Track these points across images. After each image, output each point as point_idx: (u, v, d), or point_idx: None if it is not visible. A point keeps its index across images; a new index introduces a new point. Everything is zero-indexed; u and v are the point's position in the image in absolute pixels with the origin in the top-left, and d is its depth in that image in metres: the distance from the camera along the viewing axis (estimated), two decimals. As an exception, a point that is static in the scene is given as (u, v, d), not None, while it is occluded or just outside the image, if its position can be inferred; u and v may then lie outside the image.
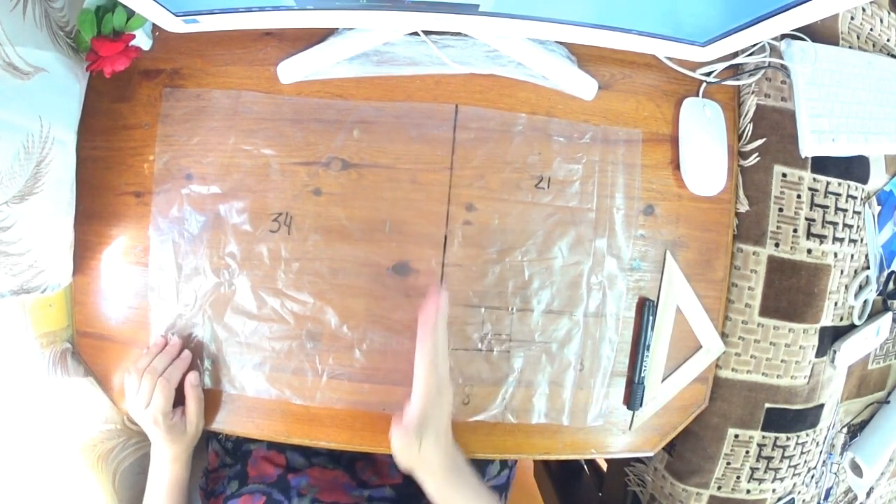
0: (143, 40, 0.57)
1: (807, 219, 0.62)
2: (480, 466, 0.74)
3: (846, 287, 0.65)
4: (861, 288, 0.67)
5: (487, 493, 0.52)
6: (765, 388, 0.64)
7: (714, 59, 0.52)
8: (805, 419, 0.66)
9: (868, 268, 0.68)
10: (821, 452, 0.71)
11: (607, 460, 0.91)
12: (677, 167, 0.62)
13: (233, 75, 0.59)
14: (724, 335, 0.64)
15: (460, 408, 0.61)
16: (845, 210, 0.63)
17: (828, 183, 0.63)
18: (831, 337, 0.66)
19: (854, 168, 0.64)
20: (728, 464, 0.66)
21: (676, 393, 0.63)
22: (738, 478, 0.66)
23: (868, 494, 0.79)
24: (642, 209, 0.61)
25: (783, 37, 0.63)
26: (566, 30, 0.49)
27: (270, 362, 0.60)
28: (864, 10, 0.66)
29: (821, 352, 0.65)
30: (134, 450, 0.69)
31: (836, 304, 0.64)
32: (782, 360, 0.63)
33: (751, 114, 0.62)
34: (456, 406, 0.61)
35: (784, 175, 0.62)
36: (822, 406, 0.67)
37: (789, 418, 0.65)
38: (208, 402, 0.60)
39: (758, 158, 0.62)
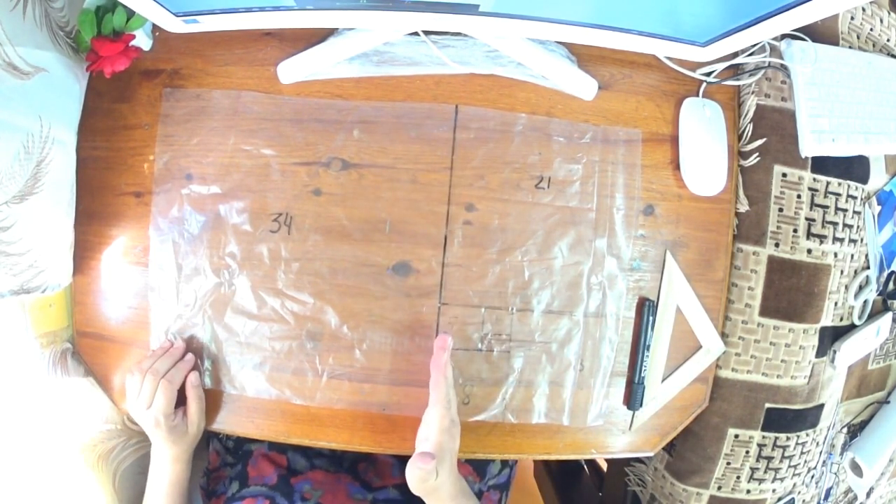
0: (143, 40, 0.57)
1: (807, 219, 0.62)
2: (481, 466, 0.74)
3: (846, 287, 0.65)
4: (861, 288, 0.67)
5: None
6: (765, 388, 0.64)
7: (714, 59, 0.52)
8: (805, 419, 0.66)
9: (868, 268, 0.68)
10: (821, 452, 0.71)
11: (607, 460, 0.91)
12: (677, 167, 0.62)
13: (233, 75, 0.59)
14: (724, 335, 0.64)
15: (460, 408, 0.61)
16: (845, 210, 0.63)
17: (828, 183, 0.63)
18: (831, 337, 0.66)
19: (854, 168, 0.64)
20: (728, 464, 0.66)
21: (676, 393, 0.63)
22: (738, 478, 0.66)
23: (868, 494, 0.79)
24: (642, 209, 0.61)
25: (783, 37, 0.63)
26: (566, 30, 0.49)
27: (270, 362, 0.60)
28: (864, 10, 0.66)
29: (821, 352, 0.65)
30: (134, 450, 0.69)
31: (836, 304, 0.64)
32: (782, 360, 0.63)
33: (751, 114, 0.62)
34: (456, 406, 0.60)
35: (784, 175, 0.62)
36: (822, 406, 0.67)
37: (789, 418, 0.65)
38: (209, 402, 0.60)
39: (758, 158, 0.62)
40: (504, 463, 0.77)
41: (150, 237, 0.59)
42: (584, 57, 0.61)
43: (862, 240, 0.66)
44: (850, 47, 0.65)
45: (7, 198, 0.47)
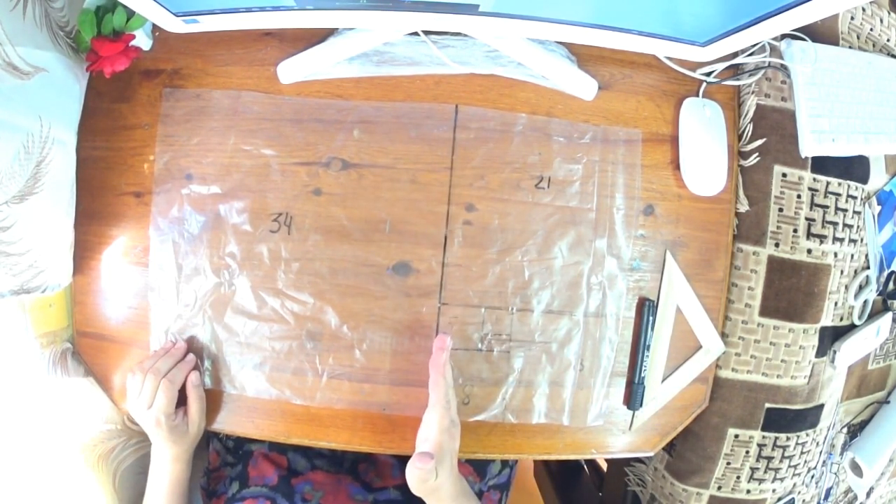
0: (143, 40, 0.57)
1: (807, 219, 0.62)
2: (481, 466, 0.74)
3: (846, 287, 0.65)
4: (861, 288, 0.67)
5: None
6: (765, 388, 0.64)
7: (714, 59, 0.52)
8: (805, 419, 0.66)
9: (868, 268, 0.68)
10: (821, 452, 0.71)
11: (607, 460, 0.91)
12: (677, 167, 0.62)
13: (233, 75, 0.59)
14: (724, 335, 0.64)
15: (460, 408, 0.61)
16: (845, 210, 0.63)
17: (828, 183, 0.63)
18: (831, 337, 0.66)
19: (854, 168, 0.64)
20: (728, 464, 0.66)
21: (676, 393, 0.63)
22: (738, 478, 0.66)
23: (868, 494, 0.79)
24: (642, 209, 0.61)
25: (783, 37, 0.63)
26: (566, 30, 0.49)
27: (270, 362, 0.60)
28: (864, 10, 0.66)
29: (821, 352, 0.65)
30: (134, 450, 0.69)
31: (836, 304, 0.64)
32: (782, 360, 0.63)
33: (751, 114, 0.62)
34: (456, 406, 0.60)
35: (784, 175, 0.62)
36: (822, 406, 0.67)
37: (789, 418, 0.65)
38: (209, 402, 0.60)
39: (758, 158, 0.62)
40: (504, 463, 0.77)
41: (150, 237, 0.59)
42: (584, 57, 0.61)
43: (862, 240, 0.66)
44: (850, 47, 0.65)
45: (7, 198, 0.47)
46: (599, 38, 0.50)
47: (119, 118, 0.59)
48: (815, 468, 0.71)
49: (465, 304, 0.60)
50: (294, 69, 0.58)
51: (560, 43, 0.60)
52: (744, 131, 0.63)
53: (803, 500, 0.72)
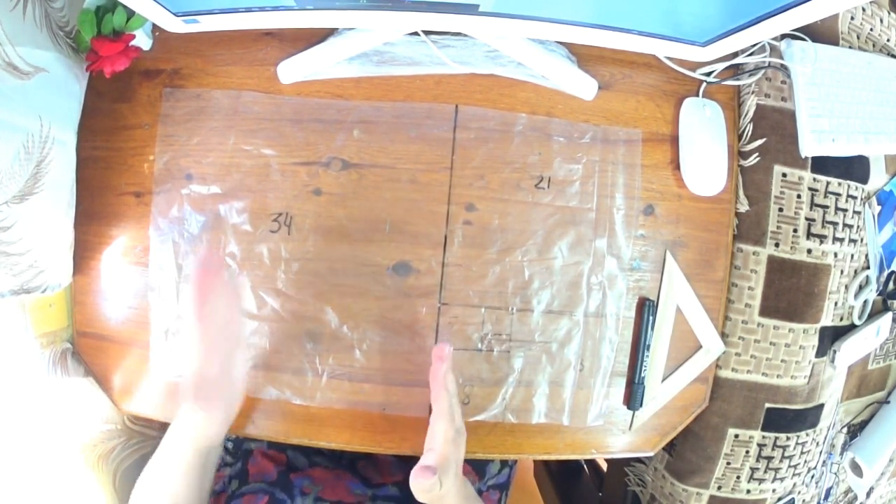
0: (143, 40, 0.57)
1: (807, 219, 0.62)
2: (480, 466, 0.74)
3: (846, 287, 0.65)
4: (861, 288, 0.67)
5: None
6: (765, 388, 0.64)
7: (714, 59, 0.52)
8: (805, 419, 0.66)
9: (868, 268, 0.68)
10: (821, 452, 0.71)
11: (607, 460, 0.91)
12: (677, 167, 0.62)
13: (233, 75, 0.59)
14: (724, 335, 0.64)
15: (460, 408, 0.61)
16: (845, 210, 0.63)
17: (828, 183, 0.63)
18: (831, 337, 0.66)
19: (854, 168, 0.64)
20: (728, 464, 0.66)
21: (676, 393, 0.63)
22: (738, 478, 0.66)
23: (868, 494, 0.79)
24: (642, 209, 0.61)
25: (783, 37, 0.63)
26: (566, 30, 0.49)
27: (270, 362, 0.60)
28: (864, 10, 0.66)
29: (821, 352, 0.65)
30: (134, 450, 0.69)
31: (836, 304, 0.64)
32: (782, 360, 0.63)
33: (751, 114, 0.62)
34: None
35: (784, 175, 0.62)
36: (822, 406, 0.67)
37: (789, 418, 0.65)
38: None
39: (758, 158, 0.62)
40: (504, 463, 0.77)
41: (150, 237, 0.59)
42: (584, 57, 0.61)
43: (862, 240, 0.66)
44: (850, 47, 0.65)
45: (7, 198, 0.47)
46: (599, 38, 0.50)
47: (119, 118, 0.59)
48: (815, 468, 0.71)
49: (465, 304, 0.60)
50: (294, 69, 0.58)
51: (560, 43, 0.60)
52: (744, 131, 0.63)
53: (803, 500, 0.72)
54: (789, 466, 0.67)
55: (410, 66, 0.59)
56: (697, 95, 0.63)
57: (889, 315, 0.71)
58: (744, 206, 0.63)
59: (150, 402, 0.61)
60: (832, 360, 0.66)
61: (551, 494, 1.14)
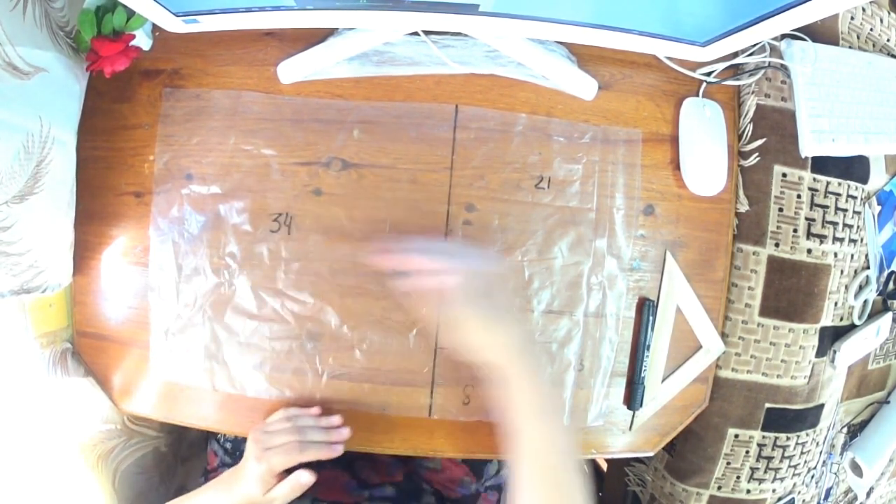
0: (143, 40, 0.57)
1: (807, 219, 0.62)
2: (479, 467, 0.74)
3: (846, 287, 0.65)
4: (861, 288, 0.67)
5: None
6: (765, 388, 0.64)
7: (714, 59, 0.52)
8: (805, 419, 0.66)
9: (868, 268, 0.68)
10: (821, 452, 0.71)
11: (607, 460, 0.91)
12: (677, 167, 0.62)
13: (233, 75, 0.59)
14: (724, 335, 0.64)
15: (460, 408, 0.61)
16: (845, 210, 0.63)
17: (828, 183, 0.63)
18: (831, 337, 0.66)
19: (854, 168, 0.64)
20: (728, 464, 0.66)
21: (676, 393, 0.63)
22: (738, 478, 0.66)
23: (868, 494, 0.79)
24: (642, 209, 0.61)
25: (783, 37, 0.63)
26: (566, 30, 0.49)
27: (270, 362, 0.60)
28: (864, 10, 0.66)
29: (821, 352, 0.65)
30: (134, 450, 0.69)
31: (836, 304, 0.64)
32: (782, 360, 0.63)
33: (751, 114, 0.62)
34: (456, 406, 0.61)
35: (784, 175, 0.62)
36: (822, 406, 0.67)
37: (789, 418, 0.65)
38: (208, 402, 0.60)
39: (758, 158, 0.62)
40: (502, 463, 0.77)
41: (150, 237, 0.59)
42: (584, 57, 0.61)
43: (862, 240, 0.66)
44: (850, 47, 0.65)
45: (7, 198, 0.47)
46: (599, 38, 0.50)
47: (119, 118, 0.59)
48: (815, 468, 0.71)
49: (465, 304, 0.60)
50: (294, 69, 0.58)
51: (560, 43, 0.60)
52: (744, 131, 0.63)
53: (803, 500, 0.72)
54: (789, 466, 0.67)
55: (410, 66, 0.59)
56: (697, 95, 0.63)
57: (889, 315, 0.71)
58: (744, 206, 0.63)
59: (149, 402, 0.61)
60: (832, 360, 0.66)
61: (551, 494, 1.14)
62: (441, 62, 0.58)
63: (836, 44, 0.65)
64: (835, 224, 0.63)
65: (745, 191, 0.63)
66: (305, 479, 0.53)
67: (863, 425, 0.76)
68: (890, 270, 0.70)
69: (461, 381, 0.60)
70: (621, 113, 0.61)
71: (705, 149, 0.62)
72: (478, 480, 0.73)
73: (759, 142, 0.62)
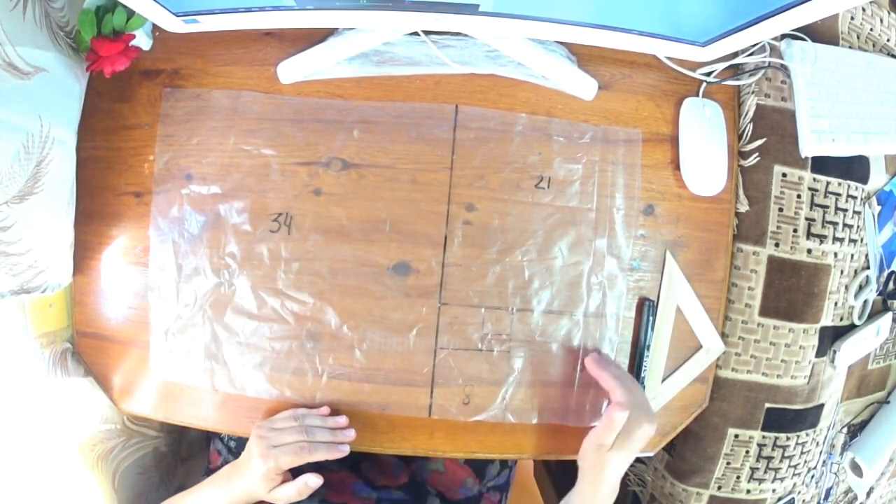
0: (143, 40, 0.57)
1: (807, 219, 0.62)
2: (480, 467, 0.74)
3: (846, 287, 0.65)
4: (861, 288, 0.67)
5: None
6: (765, 388, 0.64)
7: (714, 59, 0.52)
8: (805, 419, 0.66)
9: (868, 268, 0.68)
10: (821, 452, 0.71)
11: (607, 460, 0.91)
12: (677, 167, 0.62)
13: (233, 75, 0.59)
14: (724, 335, 0.64)
15: (460, 408, 0.61)
16: (845, 210, 0.63)
17: (828, 183, 0.63)
18: (831, 337, 0.66)
19: (854, 168, 0.64)
20: (728, 464, 0.66)
21: (676, 393, 0.63)
22: (738, 478, 0.66)
23: (868, 494, 0.79)
24: (642, 209, 0.61)
25: (783, 37, 0.63)
26: (566, 30, 0.49)
27: (270, 362, 0.60)
28: (864, 10, 0.66)
29: (821, 352, 0.65)
30: (134, 450, 0.69)
31: (836, 304, 0.64)
32: (782, 360, 0.63)
33: (751, 114, 0.62)
34: (456, 406, 0.61)
35: (784, 175, 0.62)
36: (822, 406, 0.67)
37: (789, 418, 0.65)
38: (208, 402, 0.60)
39: (758, 158, 0.62)
40: (503, 463, 0.77)
41: (150, 237, 0.59)
42: (584, 57, 0.61)
43: (862, 240, 0.66)
44: (850, 47, 0.65)
45: (7, 198, 0.47)
46: (599, 38, 0.50)
47: (119, 118, 0.59)
48: (815, 468, 0.71)
49: (465, 304, 0.60)
50: (294, 69, 0.58)
51: (560, 43, 0.60)
52: (744, 131, 0.63)
53: (803, 500, 0.72)
54: (789, 466, 0.67)
55: (410, 66, 0.59)
56: (697, 95, 0.63)
57: (889, 315, 0.71)
58: (744, 206, 0.63)
59: (149, 402, 0.61)
60: (832, 360, 0.66)
61: (551, 494, 1.14)
62: (441, 62, 0.58)
63: (836, 44, 0.65)
64: (835, 224, 0.63)
65: (745, 191, 0.63)
66: (313, 482, 0.54)
67: (863, 425, 0.76)
68: (890, 270, 0.70)
69: (461, 381, 0.60)
70: (621, 113, 0.61)
71: (705, 149, 0.62)
72: (480, 481, 0.73)
73: (759, 142, 0.62)
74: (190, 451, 0.84)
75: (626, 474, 0.78)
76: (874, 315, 0.70)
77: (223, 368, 0.60)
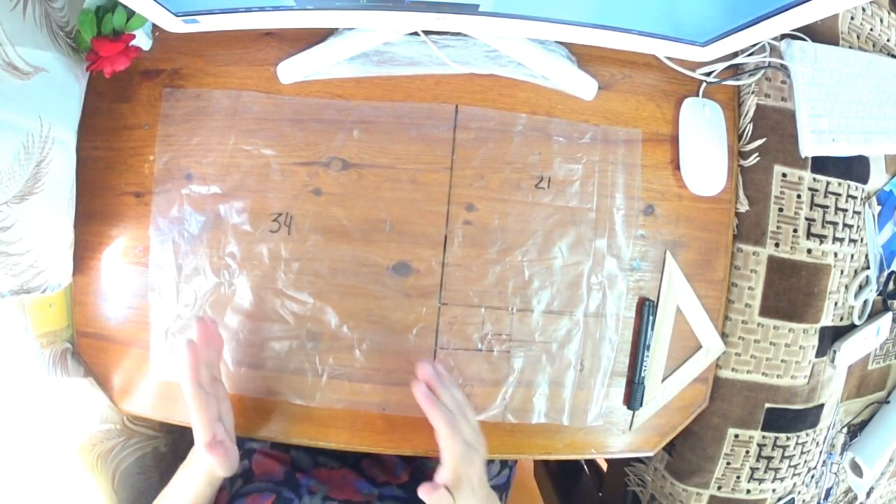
0: (143, 40, 0.57)
1: (807, 219, 0.62)
2: (481, 467, 0.74)
3: (846, 287, 0.65)
4: (861, 288, 0.67)
5: None
6: (765, 388, 0.64)
7: (714, 59, 0.52)
8: (805, 419, 0.66)
9: (868, 268, 0.68)
10: (821, 452, 0.71)
11: (607, 460, 0.91)
12: (677, 167, 0.62)
13: (233, 75, 0.59)
14: (724, 335, 0.64)
15: (460, 408, 0.61)
16: (845, 210, 0.63)
17: (828, 183, 0.63)
18: (831, 337, 0.66)
19: (854, 168, 0.64)
20: (728, 464, 0.66)
21: (676, 393, 0.63)
22: (738, 478, 0.66)
23: (868, 494, 0.79)
24: (642, 209, 0.61)
25: (783, 37, 0.63)
26: (566, 30, 0.49)
27: (270, 362, 0.60)
28: (864, 10, 0.66)
29: (821, 352, 0.65)
30: (134, 450, 0.69)
31: (836, 304, 0.64)
32: (782, 360, 0.63)
33: (751, 114, 0.63)
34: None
35: (784, 175, 0.62)
36: (822, 406, 0.67)
37: (789, 418, 0.65)
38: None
39: (758, 158, 0.62)
40: (503, 463, 0.77)
41: (150, 237, 0.59)
42: (584, 57, 0.61)
43: (862, 240, 0.66)
44: (850, 47, 0.65)
45: (7, 198, 0.47)
46: (599, 38, 0.50)
47: (119, 118, 0.59)
48: (815, 468, 0.71)
49: (465, 304, 0.60)
50: (294, 69, 0.58)
51: (560, 43, 0.60)
52: (744, 131, 0.63)
53: (803, 500, 0.72)
54: (789, 466, 0.67)
55: (410, 66, 0.59)
56: (697, 95, 0.63)
57: (889, 315, 0.71)
58: (744, 206, 0.63)
59: (149, 402, 0.61)
60: (832, 360, 0.66)
61: (551, 494, 1.14)
62: (441, 62, 0.58)
63: (836, 44, 0.65)
64: (835, 224, 0.63)
65: (745, 191, 0.63)
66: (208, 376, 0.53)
67: (863, 425, 0.76)
68: (890, 270, 0.70)
69: (461, 382, 0.60)
70: (621, 113, 0.61)
71: (705, 149, 0.62)
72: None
73: (759, 142, 0.62)
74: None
75: (627, 474, 0.78)
76: (874, 315, 0.70)
77: (223, 368, 0.60)
